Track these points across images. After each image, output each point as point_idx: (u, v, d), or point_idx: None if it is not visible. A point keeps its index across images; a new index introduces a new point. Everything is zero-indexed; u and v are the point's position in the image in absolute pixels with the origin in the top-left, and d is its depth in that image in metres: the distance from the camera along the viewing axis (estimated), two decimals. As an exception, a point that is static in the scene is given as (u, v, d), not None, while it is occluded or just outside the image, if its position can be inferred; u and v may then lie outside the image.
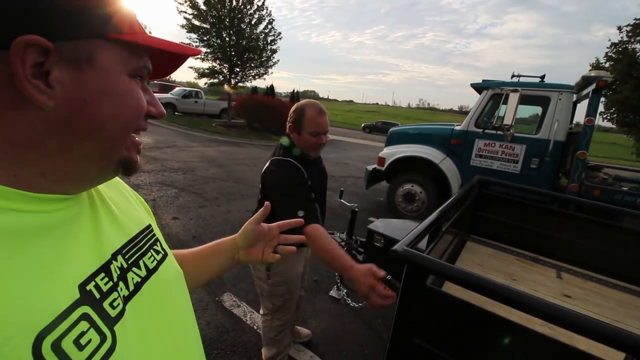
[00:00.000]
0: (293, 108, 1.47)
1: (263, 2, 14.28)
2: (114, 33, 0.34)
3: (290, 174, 1.39)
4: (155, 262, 0.47)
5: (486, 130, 3.93)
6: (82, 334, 0.31)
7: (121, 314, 0.37)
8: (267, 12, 14.48)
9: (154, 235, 0.51)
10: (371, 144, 15.39)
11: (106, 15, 0.34)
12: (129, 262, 0.43)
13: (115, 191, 0.50)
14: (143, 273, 0.44)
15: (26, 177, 0.33)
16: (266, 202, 0.74)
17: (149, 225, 0.51)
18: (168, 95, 15.85)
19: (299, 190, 1.37)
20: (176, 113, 15.31)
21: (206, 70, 14.79)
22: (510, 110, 3.48)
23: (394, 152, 4.66)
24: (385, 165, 4.66)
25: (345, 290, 2.50)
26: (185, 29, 14.13)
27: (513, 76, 4.14)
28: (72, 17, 0.32)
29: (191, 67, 15.18)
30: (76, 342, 0.31)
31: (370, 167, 4.94)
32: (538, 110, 4.09)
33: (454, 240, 2.09)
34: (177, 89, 17.23)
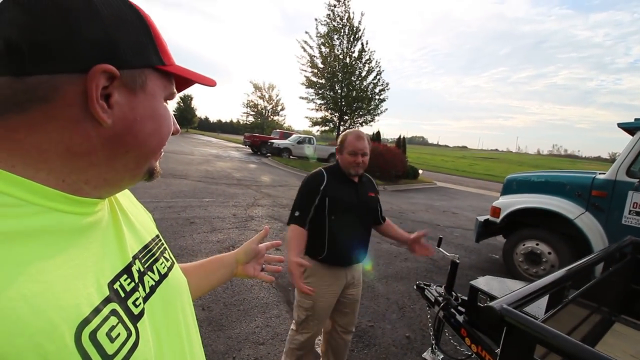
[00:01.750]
0: (340, 136, 1.79)
1: (371, 56, 15.34)
2: (161, 65, 0.42)
3: (311, 179, 1.70)
4: (166, 268, 0.51)
5: (646, 181, 3.06)
6: (112, 327, 0.35)
7: (142, 313, 0.40)
8: (376, 64, 15.44)
9: (163, 244, 0.56)
10: (487, 193, 13.75)
11: (156, 49, 0.41)
12: (145, 266, 0.46)
13: (128, 201, 0.55)
14: (156, 277, 0.48)
15: (73, 182, 0.38)
16: (265, 227, 0.91)
17: (158, 235, 0.56)
18: (286, 141, 18.02)
19: (307, 192, 1.66)
20: (291, 157, 17.14)
21: (319, 119, 16.38)
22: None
23: (512, 202, 4.04)
24: (501, 216, 4.06)
25: (442, 356, 2.17)
26: (305, 85, 16.22)
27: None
28: (134, 49, 0.38)
29: (307, 117, 17.09)
30: (108, 334, 0.34)
31: (481, 218, 4.38)
32: None
33: (591, 317, 1.62)
34: (293, 135, 19.46)
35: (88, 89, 0.35)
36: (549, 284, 1.15)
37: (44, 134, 0.35)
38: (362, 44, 15.31)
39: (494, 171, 30.40)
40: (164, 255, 0.53)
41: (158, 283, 0.47)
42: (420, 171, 15.28)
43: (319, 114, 16.96)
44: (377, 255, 4.36)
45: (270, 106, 40.38)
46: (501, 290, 1.81)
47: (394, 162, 12.54)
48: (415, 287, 2.28)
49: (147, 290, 0.44)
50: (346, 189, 1.69)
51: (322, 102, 16.19)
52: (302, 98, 17.05)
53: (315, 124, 16.83)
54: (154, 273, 0.47)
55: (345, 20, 15.17)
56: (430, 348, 2.38)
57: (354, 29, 15.25)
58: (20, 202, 0.33)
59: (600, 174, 3.57)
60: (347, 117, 16.00)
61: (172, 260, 0.55)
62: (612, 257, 1.78)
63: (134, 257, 0.45)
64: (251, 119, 41.38)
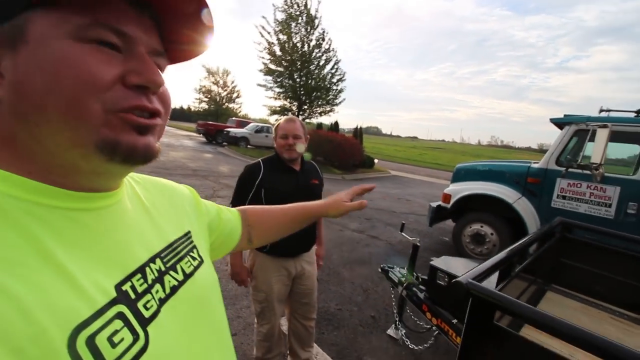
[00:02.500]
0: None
1: (330, 45, 15.43)
2: None
3: (247, 172, 1.71)
4: (192, 267, 0.48)
5: (570, 169, 3.55)
6: (116, 332, 0.32)
7: (155, 315, 0.37)
8: (334, 54, 15.56)
9: (192, 242, 0.52)
10: (436, 181, 14.74)
11: None
12: (167, 266, 0.43)
13: (160, 196, 0.52)
14: (180, 277, 0.44)
15: (38, 172, 0.33)
16: (365, 205, 0.86)
17: (189, 232, 0.53)
18: (243, 130, 17.54)
19: (241, 185, 1.69)
20: (249, 146, 16.76)
21: (277, 108, 16.16)
22: (599, 148, 3.12)
23: (460, 189, 4.44)
24: (451, 202, 4.44)
25: (404, 331, 2.38)
26: (263, 72, 15.83)
27: (601, 111, 3.74)
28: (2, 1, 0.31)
29: (265, 105, 16.76)
30: (109, 339, 0.31)
31: (434, 204, 4.74)
32: (634, 148, 3.58)
33: (530, 287, 1.89)
34: (250, 124, 19.00)
35: None
36: (500, 261, 1.33)
37: None
38: (319, 32, 15.30)
39: (441, 160, 32.60)
40: (191, 253, 0.50)
41: (181, 283, 0.44)
42: (376, 161, 15.88)
43: (278, 103, 16.74)
44: (341, 242, 4.54)
45: (225, 93, 38.70)
46: (457, 268, 2.02)
47: (352, 152, 12.88)
48: (380, 270, 2.44)
49: (168, 290, 0.41)
50: (284, 178, 1.69)
51: (281, 90, 15.97)
52: (260, 85, 16.67)
53: (274, 112, 16.58)
54: (177, 272, 0.45)
55: (302, 7, 14.99)
56: (393, 325, 2.59)
57: (311, 16, 15.13)
58: (5, 197, 0.30)
59: (534, 163, 4.05)
60: (306, 107, 15.99)
61: (201, 259, 0.51)
62: (545, 236, 2.08)
63: (155, 256, 0.42)
64: (204, 105, 39.35)
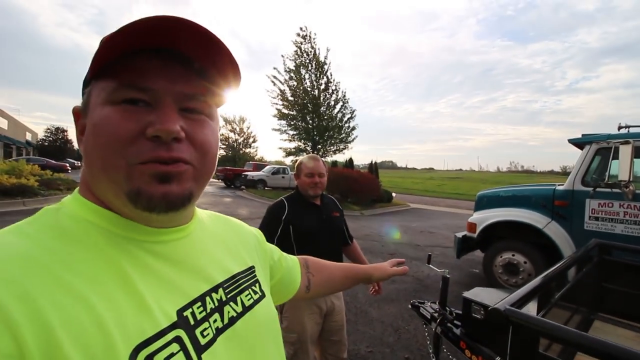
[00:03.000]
0: (296, 163, 1.87)
1: (336, 87, 16.23)
2: (92, 72, 0.38)
3: (273, 209, 1.75)
4: (252, 300, 0.49)
5: (598, 189, 3.42)
6: (172, 354, 0.34)
7: (210, 343, 0.39)
8: (342, 95, 16.30)
9: (255, 276, 0.54)
10: (459, 211, 14.34)
11: (93, 65, 0.37)
12: (228, 297, 0.45)
13: (229, 232, 0.56)
14: (239, 309, 0.46)
15: (121, 213, 0.40)
16: (405, 268, 1.01)
17: (252, 267, 0.55)
18: (260, 172, 17.98)
19: (268, 224, 1.70)
20: (266, 188, 17.06)
21: (292, 149, 16.67)
22: (625, 165, 3.04)
23: (485, 217, 4.31)
24: (477, 231, 4.29)
25: (442, 373, 2.21)
26: (277, 117, 16.62)
27: (620, 127, 3.67)
28: (85, 83, 0.41)
29: (280, 148, 17.36)
30: None
31: (460, 235, 4.60)
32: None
33: (573, 317, 1.76)
34: (267, 167, 19.48)
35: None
36: (537, 287, 1.28)
37: (82, 174, 0.42)
38: (327, 77, 16.15)
39: (461, 189, 31.87)
40: (253, 287, 0.52)
41: (240, 315, 0.46)
42: (394, 194, 15.74)
43: (292, 144, 17.40)
44: (365, 279, 4.39)
45: (242, 138, 40.48)
46: (493, 299, 1.93)
47: (369, 187, 12.87)
48: (410, 306, 2.34)
49: (226, 321, 0.43)
50: (309, 214, 1.73)
51: (295, 132, 16.65)
52: (275, 130, 17.42)
53: (289, 154, 17.17)
54: (236, 304, 0.46)
55: (311, 56, 16.01)
56: (430, 367, 2.41)
57: (320, 63, 16.08)
58: (98, 229, 0.38)
59: (559, 185, 3.94)
60: (319, 146, 16.44)
61: (262, 294, 0.53)
62: (582, 260, 1.97)
63: (217, 286, 0.45)
64: (222, 152, 41.06)
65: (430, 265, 2.47)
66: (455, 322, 2.06)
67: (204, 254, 0.47)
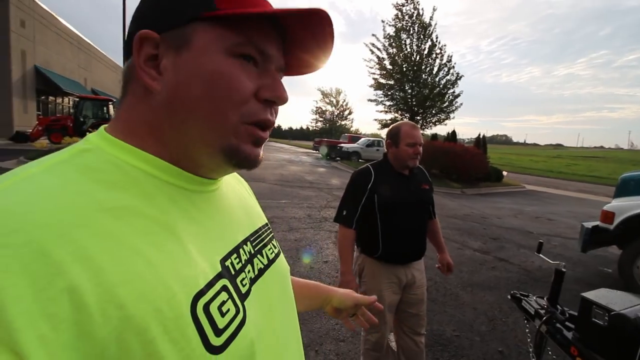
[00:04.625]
0: (390, 128, 1.74)
1: (442, 50, 14.54)
2: (208, 11, 0.35)
3: (358, 176, 1.69)
4: (274, 254, 0.52)
5: None
6: (223, 302, 0.35)
7: (248, 292, 0.40)
8: (448, 58, 14.60)
9: (271, 232, 0.56)
10: (591, 197, 11.73)
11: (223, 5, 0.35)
12: (255, 249, 0.47)
13: (244, 188, 0.58)
14: (265, 261, 0.48)
15: (170, 158, 0.38)
16: (374, 297, 0.79)
17: (267, 223, 0.57)
18: (355, 145, 18.05)
19: (353, 191, 1.66)
20: (360, 160, 17.10)
21: (388, 122, 16.06)
22: None
23: (630, 205, 3.38)
24: (616, 222, 3.43)
25: (544, 376, 1.92)
26: (373, 87, 16.09)
27: None
28: (172, 8, 0.36)
29: (376, 119, 16.92)
30: (219, 308, 0.34)
31: (589, 225, 3.76)
32: None
33: None
34: (362, 139, 19.39)
35: (133, 58, 0.36)
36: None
37: (132, 113, 0.38)
38: (432, 40, 14.61)
39: (599, 172, 25.78)
40: (272, 242, 0.54)
41: (266, 267, 0.48)
42: (505, 173, 13.79)
43: (389, 116, 16.65)
44: (459, 261, 4.07)
45: (338, 111, 41.04)
46: (622, 304, 1.54)
47: (473, 163, 11.57)
48: (509, 296, 2.06)
49: (256, 272, 0.45)
50: (396, 184, 1.66)
51: (392, 103, 15.88)
52: (371, 100, 16.95)
53: (384, 126, 16.57)
54: (262, 257, 0.48)
55: (414, 18, 14.66)
56: (529, 366, 2.13)
57: (424, 25, 14.62)
58: (145, 175, 0.36)
59: None
60: (418, 117, 15.37)
61: (279, 249, 0.56)
62: None
63: (246, 239, 0.46)
64: (320, 124, 42.58)
65: (541, 255, 2.12)
66: (567, 323, 1.74)
67: (233, 207, 0.48)
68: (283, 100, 0.40)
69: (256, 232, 0.50)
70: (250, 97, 0.37)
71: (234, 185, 0.54)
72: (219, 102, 0.36)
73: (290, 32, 0.40)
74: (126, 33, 0.40)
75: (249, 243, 0.46)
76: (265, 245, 0.50)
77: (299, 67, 0.46)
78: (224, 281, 0.37)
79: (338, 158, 17.80)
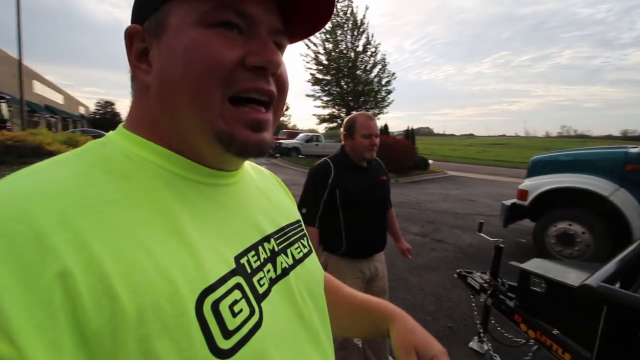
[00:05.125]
0: (345, 120, 1.69)
1: (376, 49, 15.25)
2: None
3: (317, 172, 1.62)
4: (302, 254, 0.48)
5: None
6: (235, 302, 0.32)
7: (266, 293, 0.37)
8: (381, 57, 15.36)
9: (303, 230, 0.52)
10: (501, 179, 13.51)
11: None
12: (279, 247, 0.44)
13: (269, 183, 0.54)
14: (290, 261, 0.45)
15: (178, 149, 0.36)
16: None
17: (299, 221, 0.53)
18: (294, 140, 17.99)
19: (314, 187, 1.59)
20: (300, 155, 17.12)
21: (326, 116, 16.33)
22: None
23: (540, 183, 3.93)
24: (529, 199, 3.95)
25: (490, 344, 2.11)
26: (311, 82, 16.18)
27: None
28: (150, 2, 0.35)
29: (314, 115, 17.08)
30: (230, 308, 0.31)
31: (508, 202, 4.28)
32: None
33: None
34: (300, 135, 19.41)
35: (127, 56, 0.36)
36: (627, 262, 1.09)
37: (137, 109, 0.38)
38: (366, 37, 15.21)
39: (504, 157, 29.93)
40: (301, 241, 0.50)
41: (292, 267, 0.44)
42: (430, 161, 15.10)
43: (326, 111, 16.96)
44: (403, 246, 4.30)
45: (274, 107, 40.58)
46: (555, 272, 1.74)
47: (405, 154, 12.41)
48: (456, 275, 2.22)
49: (279, 271, 0.41)
50: (356, 177, 1.63)
51: (329, 98, 16.16)
52: (309, 96, 17.02)
53: (322, 121, 16.83)
54: (287, 257, 0.44)
55: (349, 15, 15.07)
56: (476, 337, 2.32)
57: (358, 22, 15.13)
58: (156, 167, 0.34)
59: (632, 148, 3.44)
60: (354, 112, 15.97)
61: (310, 248, 0.51)
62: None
63: (268, 237, 0.42)
64: (255, 121, 41.46)
65: (482, 234, 2.30)
66: (508, 294, 1.91)
67: (253, 203, 0.44)
68: (274, 64, 0.35)
69: (282, 229, 0.47)
70: (233, 66, 0.33)
71: (259, 180, 0.50)
72: (198, 79, 0.32)
73: None
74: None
75: (272, 240, 0.43)
76: (291, 244, 0.47)
77: (304, 28, 0.41)
78: (237, 279, 0.34)
79: (277, 155, 17.56)
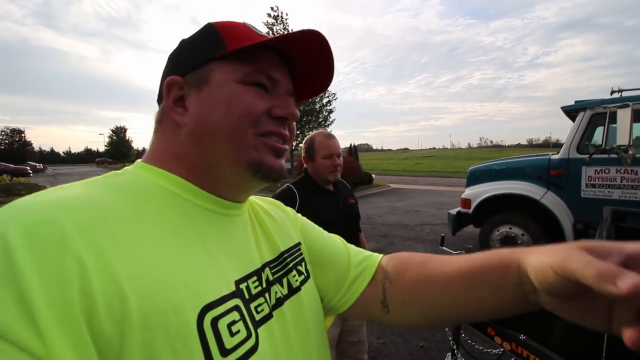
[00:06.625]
0: (304, 141, 1.58)
1: None
2: (219, 51, 0.40)
3: (281, 199, 1.44)
4: (298, 282, 0.48)
5: (594, 156, 3.38)
6: (234, 322, 0.34)
7: (264, 319, 0.39)
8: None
9: (301, 254, 0.53)
10: (438, 188, 14.57)
11: (219, 39, 0.41)
12: (275, 277, 0.45)
13: (274, 209, 0.57)
14: (285, 290, 0.45)
15: (195, 181, 0.41)
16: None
17: (299, 243, 0.53)
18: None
19: None
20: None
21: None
22: (624, 129, 2.98)
23: (480, 191, 4.22)
24: (473, 207, 4.21)
25: (464, 359, 2.07)
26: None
27: (613, 92, 3.63)
28: (195, 54, 0.41)
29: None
30: (229, 327, 0.33)
31: (453, 211, 4.52)
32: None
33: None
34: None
35: (164, 101, 0.42)
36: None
37: (163, 145, 0.43)
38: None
39: (436, 167, 32.66)
40: (298, 267, 0.50)
41: (287, 296, 0.45)
42: (374, 176, 15.74)
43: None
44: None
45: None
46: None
47: (351, 170, 12.73)
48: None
49: (273, 301, 0.43)
50: (324, 203, 1.49)
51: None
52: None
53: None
54: (282, 286, 0.46)
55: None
56: (449, 354, 2.28)
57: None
58: (171, 194, 0.39)
59: (552, 154, 3.89)
60: (298, 132, 16.04)
61: (307, 274, 0.51)
62: (608, 232, 1.85)
63: (265, 264, 0.45)
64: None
65: (444, 248, 2.30)
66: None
67: (255, 232, 0.47)
68: (294, 115, 0.44)
69: (279, 257, 0.48)
70: (262, 114, 0.41)
71: (262, 210, 0.52)
72: (236, 121, 0.39)
73: (292, 57, 0.44)
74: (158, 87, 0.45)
75: (267, 269, 0.44)
76: (288, 272, 0.48)
77: (307, 91, 0.50)
78: (236, 301, 0.36)
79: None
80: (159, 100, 0.44)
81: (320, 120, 15.98)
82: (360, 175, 13.47)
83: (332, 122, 16.20)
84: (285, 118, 0.43)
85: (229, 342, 0.32)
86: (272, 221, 0.53)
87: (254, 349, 0.34)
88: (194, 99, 0.40)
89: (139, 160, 0.43)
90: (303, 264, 0.52)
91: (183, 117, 0.40)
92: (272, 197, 1.49)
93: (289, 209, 0.62)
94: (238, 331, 0.34)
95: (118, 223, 0.31)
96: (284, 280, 0.46)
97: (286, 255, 0.49)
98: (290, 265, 0.48)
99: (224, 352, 0.31)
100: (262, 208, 0.54)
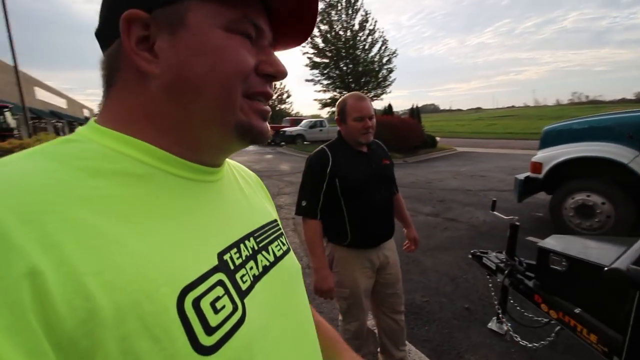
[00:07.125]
0: (337, 104, 1.59)
1: (375, 26, 14.78)
2: None
3: (315, 161, 1.53)
4: (282, 251, 0.48)
5: None
6: (218, 298, 0.32)
7: (249, 289, 0.37)
8: (380, 35, 14.90)
9: (280, 229, 0.53)
10: (512, 152, 13.19)
11: None
12: (260, 245, 0.44)
13: (251, 182, 0.55)
14: (271, 258, 0.45)
15: (168, 145, 0.36)
16: None
17: (275, 220, 0.53)
18: (298, 127, 17.85)
19: (312, 178, 1.51)
20: (305, 142, 17.00)
21: (328, 100, 16.09)
22: None
23: (554, 154, 3.76)
24: (544, 171, 3.80)
25: (510, 324, 2.05)
26: (309, 67, 15.88)
27: None
28: None
29: (315, 100, 16.86)
30: (212, 305, 0.31)
31: (521, 176, 4.14)
32: None
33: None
34: (304, 121, 19.24)
35: (122, 42, 0.33)
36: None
37: (125, 101, 0.36)
38: (362, 14, 14.72)
39: (514, 129, 29.21)
40: (280, 239, 0.50)
41: (272, 264, 0.44)
42: (438, 139, 14.81)
43: (328, 95, 16.70)
44: (415, 227, 4.22)
45: (276, 95, 40.18)
46: (577, 249, 1.65)
47: (411, 133, 12.18)
48: (470, 256, 2.14)
49: (260, 269, 0.42)
50: (357, 164, 1.52)
51: (329, 82, 15.87)
52: (308, 80, 16.74)
53: (324, 105, 16.61)
54: (268, 254, 0.45)
55: (341, -7, 14.57)
56: (495, 318, 2.26)
57: (351, 0, 14.62)
58: (136, 162, 0.34)
59: (654, 110, 3.25)
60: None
61: (288, 246, 0.52)
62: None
63: (248, 235, 0.43)
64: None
65: (495, 213, 2.20)
66: (527, 273, 1.84)
67: (235, 200, 0.46)
68: (283, 74, 0.40)
69: (262, 227, 0.47)
70: (251, 72, 0.37)
71: (238, 179, 0.51)
72: (226, 78, 0.35)
73: (273, 4, 0.39)
74: (99, 17, 0.37)
75: (252, 239, 0.43)
76: (271, 242, 0.47)
77: (284, 41, 0.44)
78: (220, 275, 0.34)
79: (283, 143, 17.45)
80: (102, 36, 0.36)
81: (380, 80, 15.26)
82: (422, 138, 12.81)
83: (392, 81, 15.36)
84: (274, 76, 0.39)
85: (214, 320, 0.31)
86: (252, 191, 0.52)
87: (241, 321, 0.33)
88: (166, 44, 0.33)
89: (92, 120, 0.36)
90: (283, 237, 0.52)
91: (152, 65, 0.33)
92: (307, 159, 1.60)
93: (257, 180, 0.60)
94: (223, 307, 0.32)
95: (73, 206, 0.26)
96: (269, 249, 0.46)
97: (268, 227, 0.49)
98: (273, 236, 0.48)
99: (210, 330, 0.30)
100: (241, 174, 0.53)
